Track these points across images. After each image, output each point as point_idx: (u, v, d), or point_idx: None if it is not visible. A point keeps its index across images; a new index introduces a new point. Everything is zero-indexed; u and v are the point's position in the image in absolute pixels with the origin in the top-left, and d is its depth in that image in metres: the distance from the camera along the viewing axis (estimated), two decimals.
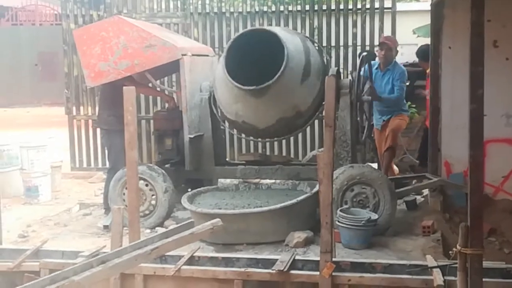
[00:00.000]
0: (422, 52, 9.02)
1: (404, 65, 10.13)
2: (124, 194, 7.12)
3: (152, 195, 7.29)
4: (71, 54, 10.63)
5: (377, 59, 8.60)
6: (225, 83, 7.00)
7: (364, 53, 7.82)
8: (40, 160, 9.47)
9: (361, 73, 7.62)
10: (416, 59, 11.20)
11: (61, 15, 11.15)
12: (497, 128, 7.12)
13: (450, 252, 4.65)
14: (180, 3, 10.61)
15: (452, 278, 4.80)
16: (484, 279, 4.50)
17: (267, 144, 10.38)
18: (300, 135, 10.27)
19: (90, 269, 3.99)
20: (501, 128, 7.22)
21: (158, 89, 8.53)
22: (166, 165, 7.81)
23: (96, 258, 4.15)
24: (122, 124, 5.60)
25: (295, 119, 7.26)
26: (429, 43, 8.31)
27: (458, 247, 4.45)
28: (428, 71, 8.50)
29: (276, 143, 10.33)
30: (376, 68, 8.29)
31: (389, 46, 8.29)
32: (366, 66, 7.84)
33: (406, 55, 12.12)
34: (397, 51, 8.59)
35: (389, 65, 8.28)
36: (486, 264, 4.80)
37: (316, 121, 9.96)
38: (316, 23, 10.28)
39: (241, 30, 9.97)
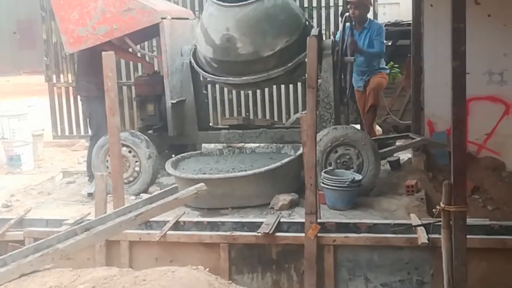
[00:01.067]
0: None
1: (386, 25, 10.11)
2: (107, 161, 7.07)
3: (136, 161, 7.25)
4: (49, 20, 10.48)
5: None
6: (213, 16, 7.16)
7: (347, 14, 7.75)
8: (22, 129, 9.39)
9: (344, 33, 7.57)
10: (399, 19, 11.18)
11: None
12: (479, 85, 7.11)
13: (434, 210, 4.69)
14: None
15: (436, 236, 4.85)
16: (468, 236, 4.55)
17: (250, 107, 10.34)
18: (283, 98, 10.26)
19: (74, 237, 3.99)
20: (483, 85, 7.22)
21: (139, 54, 8.43)
22: (149, 131, 7.75)
23: (80, 226, 4.15)
24: (102, 91, 5.55)
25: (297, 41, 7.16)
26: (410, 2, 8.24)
27: (441, 204, 4.49)
28: None
29: (259, 106, 10.30)
30: (353, 28, 8.18)
31: (356, 5, 8.15)
32: (347, 25, 7.76)
33: (388, 14, 12.11)
34: (368, 8, 8.45)
35: (364, 23, 8.19)
36: (469, 221, 4.85)
37: (299, 84, 9.94)
38: None
39: None
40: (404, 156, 8.09)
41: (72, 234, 4.03)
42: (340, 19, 8.06)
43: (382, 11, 11.73)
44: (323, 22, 10.09)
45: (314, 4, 10.11)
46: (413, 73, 7.98)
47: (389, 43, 10.11)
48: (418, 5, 7.77)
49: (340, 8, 9.96)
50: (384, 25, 9.18)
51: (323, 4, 10.11)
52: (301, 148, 5.56)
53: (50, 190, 7.80)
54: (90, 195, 7.11)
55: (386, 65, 8.65)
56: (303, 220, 5.25)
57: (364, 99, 8.33)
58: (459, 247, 4.44)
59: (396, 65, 9.77)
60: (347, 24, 7.73)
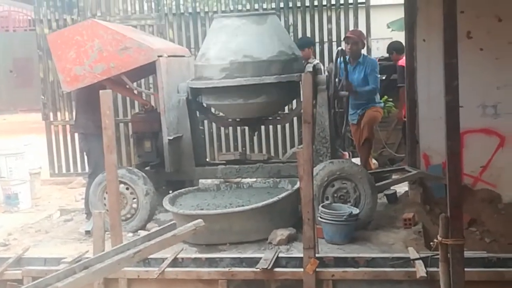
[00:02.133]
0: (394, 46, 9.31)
1: (380, 59, 10.26)
2: (105, 198, 7.09)
3: (133, 198, 7.26)
4: (46, 59, 10.57)
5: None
6: (222, 30, 7.41)
7: (340, 48, 7.86)
8: (19, 168, 9.44)
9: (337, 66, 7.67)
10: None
11: (35, 20, 11.08)
12: (473, 118, 7.17)
13: (431, 243, 4.70)
14: (154, 4, 10.60)
15: (435, 269, 4.84)
16: (466, 269, 4.56)
17: (247, 143, 10.40)
18: (279, 133, 10.32)
19: (73, 275, 3.97)
20: (477, 118, 7.28)
21: (136, 91, 8.49)
22: (146, 168, 7.77)
23: (79, 264, 4.14)
24: (100, 128, 5.58)
25: (291, 60, 7.34)
26: (403, 37, 8.36)
27: (439, 238, 4.50)
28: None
29: (256, 141, 10.35)
30: (347, 63, 8.31)
31: (355, 40, 8.33)
32: (340, 60, 7.86)
33: (381, 49, 12.22)
34: (364, 44, 8.61)
35: (358, 58, 8.32)
36: (467, 254, 4.86)
37: (295, 119, 10.01)
38: (291, 20, 10.32)
39: None
40: (401, 189, 8.11)
41: (70, 272, 4.02)
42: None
43: (376, 46, 11.88)
44: (317, 57, 10.20)
45: None
46: (408, 107, 8.05)
47: (383, 78, 10.24)
48: (411, 40, 7.87)
49: (334, 44, 10.11)
50: (377, 59, 9.30)
51: (317, 39, 10.24)
52: (298, 183, 5.58)
53: (48, 228, 7.79)
54: (88, 232, 7.10)
55: (380, 99, 8.75)
56: (302, 255, 5.25)
57: (359, 133, 8.41)
58: (457, 280, 4.45)
59: (390, 99, 9.87)
60: (340, 59, 7.83)
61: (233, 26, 7.36)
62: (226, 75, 7.21)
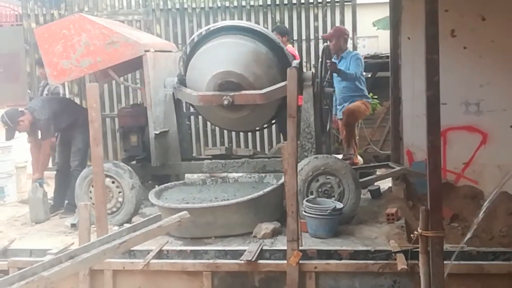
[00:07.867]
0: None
1: (365, 57, 10.33)
2: (90, 192, 7.12)
3: (119, 192, 7.28)
4: (33, 53, 10.56)
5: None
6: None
7: (325, 44, 7.93)
8: (5, 161, 9.40)
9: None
10: (378, 51, 11.41)
11: (22, 14, 11.07)
12: (456, 116, 7.27)
13: (412, 235, 4.78)
14: (141, 0, 10.63)
15: (415, 261, 4.93)
16: (445, 262, 4.65)
17: (233, 138, 10.45)
18: (265, 129, 10.37)
19: (59, 265, 4.02)
20: (460, 116, 7.36)
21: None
22: (132, 162, 7.79)
23: (65, 254, 4.18)
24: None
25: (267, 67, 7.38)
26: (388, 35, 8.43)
27: (419, 230, 4.58)
28: None
29: (242, 136, 10.40)
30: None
31: (336, 35, 8.37)
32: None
33: (367, 47, 12.35)
34: (344, 38, 8.54)
35: (342, 53, 8.37)
36: (447, 247, 4.95)
37: None
38: (278, 17, 10.39)
39: (203, 26, 10.04)
40: (385, 185, 8.19)
41: (56, 262, 4.07)
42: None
43: (362, 44, 12.00)
44: (304, 54, 10.29)
45: (295, 37, 10.31)
46: (392, 104, 8.14)
47: (369, 75, 10.34)
48: (395, 38, 7.95)
49: (320, 41, 10.18)
50: (363, 57, 9.35)
51: (303, 37, 10.32)
52: (283, 177, 5.65)
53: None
54: (73, 226, 7.13)
55: None
56: (285, 248, 5.32)
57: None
58: (437, 272, 4.53)
59: (376, 97, 9.94)
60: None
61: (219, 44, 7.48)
62: None
